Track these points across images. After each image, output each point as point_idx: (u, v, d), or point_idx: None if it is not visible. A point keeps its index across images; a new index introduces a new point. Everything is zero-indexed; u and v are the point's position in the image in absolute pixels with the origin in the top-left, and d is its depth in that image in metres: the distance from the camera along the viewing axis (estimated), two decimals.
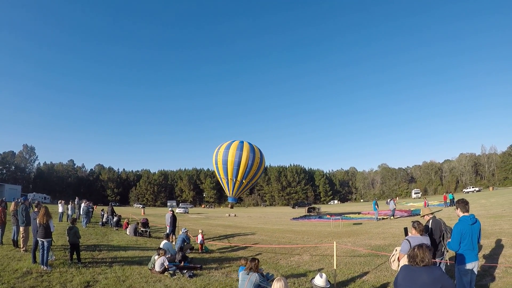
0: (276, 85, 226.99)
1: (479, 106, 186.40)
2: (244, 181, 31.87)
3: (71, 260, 10.87)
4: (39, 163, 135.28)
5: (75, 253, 11.06)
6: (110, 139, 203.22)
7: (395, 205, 29.70)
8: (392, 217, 27.38)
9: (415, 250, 3.86)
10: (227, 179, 31.82)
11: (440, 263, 6.90)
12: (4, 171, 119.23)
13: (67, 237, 11.16)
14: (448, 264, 7.43)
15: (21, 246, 12.49)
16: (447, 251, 6.98)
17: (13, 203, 14.31)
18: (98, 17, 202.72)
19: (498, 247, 11.16)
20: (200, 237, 15.38)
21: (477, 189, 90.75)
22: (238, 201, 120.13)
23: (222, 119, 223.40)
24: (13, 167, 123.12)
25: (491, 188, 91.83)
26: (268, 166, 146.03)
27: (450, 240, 6.10)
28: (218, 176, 34.04)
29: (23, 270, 9.46)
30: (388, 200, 42.55)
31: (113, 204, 38.37)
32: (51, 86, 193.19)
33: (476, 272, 5.80)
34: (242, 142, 32.06)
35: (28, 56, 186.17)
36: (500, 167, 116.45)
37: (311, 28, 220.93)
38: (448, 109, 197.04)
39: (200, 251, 14.83)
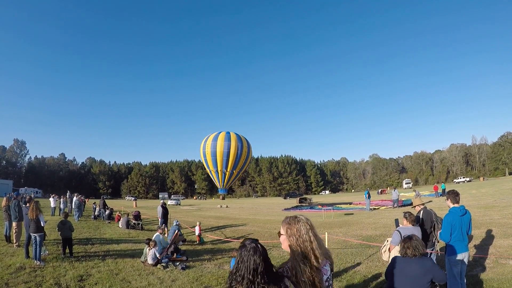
0: (266, 77, 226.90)
1: (470, 97, 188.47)
2: (234, 171, 31.89)
3: (63, 255, 10.84)
4: (30, 158, 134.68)
5: (67, 247, 11.05)
6: (101, 132, 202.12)
7: (398, 194, 29.04)
8: (395, 207, 27.22)
9: (407, 243, 3.90)
10: (217, 170, 31.78)
11: (431, 254, 6.98)
12: None
13: (59, 232, 11.12)
14: (439, 254, 7.52)
15: (14, 241, 12.42)
16: (438, 242, 7.07)
17: (5, 198, 14.18)
18: (87, 12, 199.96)
19: (489, 237, 11.34)
20: (197, 228, 15.55)
21: (467, 179, 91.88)
22: (230, 192, 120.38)
23: (212, 110, 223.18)
24: (4, 162, 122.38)
25: (481, 178, 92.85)
26: (259, 156, 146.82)
27: (441, 231, 6.17)
28: (207, 168, 33.88)
29: (16, 265, 9.40)
30: (379, 190, 42.50)
31: (104, 197, 38.17)
32: (41, 81, 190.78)
33: (466, 263, 5.88)
34: (228, 133, 32.00)
35: (17, 52, 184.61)
36: (491, 158, 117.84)
37: (301, 20, 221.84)
38: (439, 100, 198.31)
39: (198, 242, 14.91)
